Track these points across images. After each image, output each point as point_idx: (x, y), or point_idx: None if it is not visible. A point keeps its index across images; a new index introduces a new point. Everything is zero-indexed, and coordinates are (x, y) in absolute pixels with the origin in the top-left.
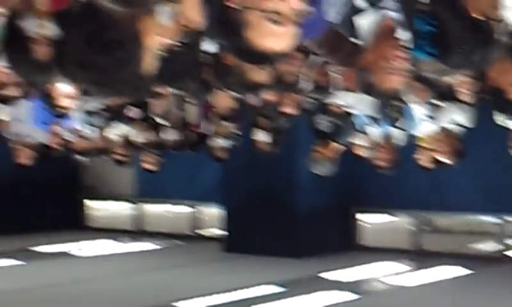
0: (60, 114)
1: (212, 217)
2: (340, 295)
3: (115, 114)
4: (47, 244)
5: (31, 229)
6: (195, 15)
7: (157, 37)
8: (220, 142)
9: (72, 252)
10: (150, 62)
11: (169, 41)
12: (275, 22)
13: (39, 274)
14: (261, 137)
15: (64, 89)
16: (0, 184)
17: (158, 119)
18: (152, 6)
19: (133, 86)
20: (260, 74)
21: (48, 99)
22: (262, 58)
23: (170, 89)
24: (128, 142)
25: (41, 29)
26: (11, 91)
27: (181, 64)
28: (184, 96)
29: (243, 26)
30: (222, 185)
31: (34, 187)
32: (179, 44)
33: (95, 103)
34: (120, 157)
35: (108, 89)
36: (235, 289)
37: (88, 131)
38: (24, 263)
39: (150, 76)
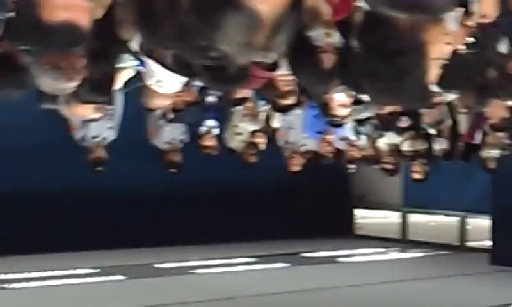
0: (335, 123)
1: (480, 228)
2: None
3: (385, 124)
4: (315, 249)
5: (300, 235)
6: (490, 11)
7: (443, 45)
8: (491, 153)
9: (340, 259)
10: (434, 72)
11: (455, 48)
12: None
13: (306, 279)
14: None
15: (339, 98)
16: (270, 190)
17: (428, 129)
18: (440, 13)
19: (416, 95)
20: None
21: (324, 108)
22: None
23: (445, 98)
24: (396, 152)
25: (328, 38)
26: (288, 100)
27: (465, 70)
28: (456, 105)
29: None
30: (491, 195)
31: (304, 194)
32: (465, 50)
33: (365, 113)
34: (388, 166)
35: (391, 98)
36: (502, 305)
37: (358, 140)
38: (293, 267)
39: (433, 85)
